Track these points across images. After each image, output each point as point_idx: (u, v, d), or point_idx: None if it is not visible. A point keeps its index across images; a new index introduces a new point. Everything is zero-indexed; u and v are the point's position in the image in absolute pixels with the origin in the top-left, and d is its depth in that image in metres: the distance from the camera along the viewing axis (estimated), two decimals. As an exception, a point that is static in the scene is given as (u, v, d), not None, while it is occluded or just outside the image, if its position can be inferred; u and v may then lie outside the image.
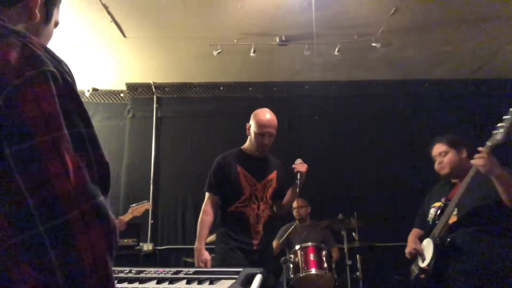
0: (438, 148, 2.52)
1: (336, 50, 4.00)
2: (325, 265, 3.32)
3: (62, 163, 0.60)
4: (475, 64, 4.61)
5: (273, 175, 2.60)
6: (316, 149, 4.70)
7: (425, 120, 4.81)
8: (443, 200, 2.46)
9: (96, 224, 0.61)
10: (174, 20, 3.61)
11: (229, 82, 4.93)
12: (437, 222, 2.40)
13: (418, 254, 2.48)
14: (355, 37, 3.89)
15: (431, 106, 4.87)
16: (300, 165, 2.54)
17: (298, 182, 2.51)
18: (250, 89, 4.94)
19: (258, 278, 1.34)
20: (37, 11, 0.83)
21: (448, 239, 2.30)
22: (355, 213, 3.78)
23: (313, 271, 3.27)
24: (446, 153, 2.47)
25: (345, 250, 3.69)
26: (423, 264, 2.43)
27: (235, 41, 3.90)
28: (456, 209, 2.33)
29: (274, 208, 2.67)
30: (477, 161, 2.14)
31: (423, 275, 2.41)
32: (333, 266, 3.43)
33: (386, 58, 4.32)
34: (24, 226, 0.56)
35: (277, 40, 3.94)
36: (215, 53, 3.91)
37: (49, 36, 0.91)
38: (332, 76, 4.79)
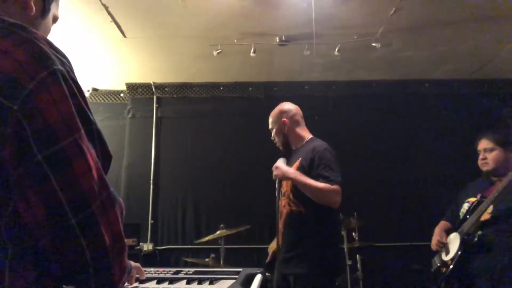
0: (484, 144, 2.43)
1: (336, 50, 3.99)
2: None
3: (85, 161, 0.67)
4: (475, 64, 4.61)
5: (295, 165, 2.35)
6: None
7: (425, 120, 4.81)
8: (478, 196, 2.39)
9: (112, 209, 0.70)
10: (174, 20, 3.60)
11: (229, 82, 4.92)
12: (468, 217, 2.34)
13: (443, 247, 2.45)
14: (355, 37, 3.89)
15: (431, 106, 4.87)
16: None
17: (277, 189, 2.32)
18: (250, 89, 4.93)
19: (258, 278, 1.34)
20: (32, 3, 0.81)
21: (476, 237, 2.25)
22: (355, 213, 3.79)
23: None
24: (492, 150, 2.38)
25: (345, 250, 3.69)
26: (446, 258, 2.39)
27: (235, 41, 3.89)
28: (491, 207, 2.27)
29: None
30: None
31: (444, 269, 2.37)
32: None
33: (386, 58, 4.32)
34: (59, 220, 0.64)
35: (277, 40, 3.93)
36: (215, 53, 3.91)
37: (47, 31, 0.89)
38: (332, 76, 4.79)
